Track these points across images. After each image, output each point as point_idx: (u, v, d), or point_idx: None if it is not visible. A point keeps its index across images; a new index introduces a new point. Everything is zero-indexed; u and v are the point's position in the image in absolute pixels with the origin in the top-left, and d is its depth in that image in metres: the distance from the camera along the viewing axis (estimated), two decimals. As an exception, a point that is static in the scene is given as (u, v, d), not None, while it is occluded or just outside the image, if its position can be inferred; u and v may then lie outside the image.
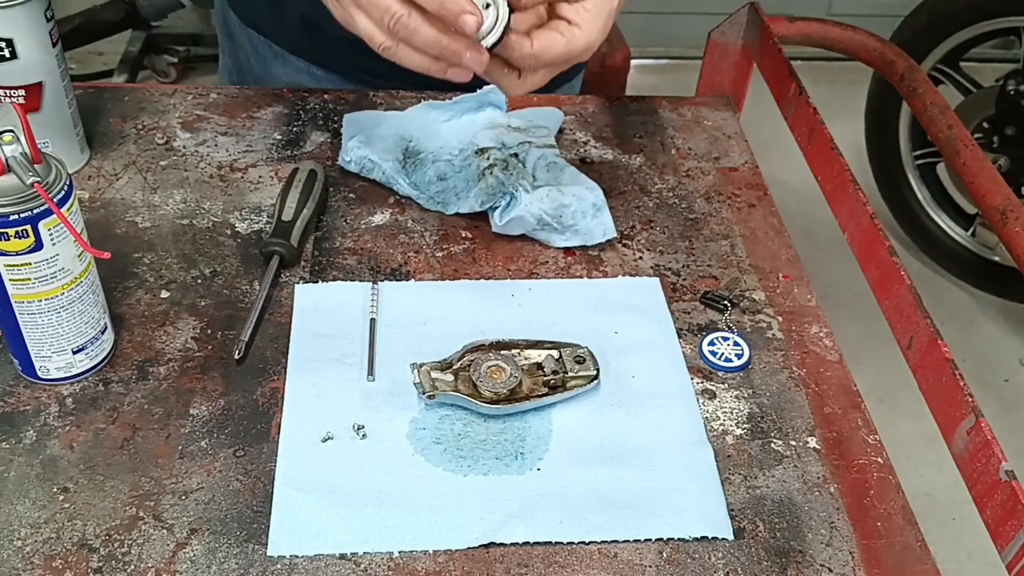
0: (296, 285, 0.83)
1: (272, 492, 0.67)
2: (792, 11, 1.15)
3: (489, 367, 0.74)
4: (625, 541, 0.66)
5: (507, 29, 0.69)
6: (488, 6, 0.68)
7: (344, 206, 0.91)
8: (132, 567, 0.62)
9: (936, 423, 0.70)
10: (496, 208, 0.87)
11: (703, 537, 0.66)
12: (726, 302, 0.84)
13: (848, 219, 0.87)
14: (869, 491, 0.71)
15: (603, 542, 0.66)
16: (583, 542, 0.65)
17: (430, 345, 0.77)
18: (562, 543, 0.65)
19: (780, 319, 0.84)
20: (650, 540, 0.66)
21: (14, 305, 0.68)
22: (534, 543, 0.65)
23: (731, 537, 0.66)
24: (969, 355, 2.20)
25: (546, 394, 0.73)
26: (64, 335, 0.70)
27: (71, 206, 0.66)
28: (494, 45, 0.69)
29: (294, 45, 1.04)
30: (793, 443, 0.73)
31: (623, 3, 0.75)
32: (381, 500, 0.67)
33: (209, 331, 0.78)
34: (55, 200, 0.64)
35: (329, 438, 0.71)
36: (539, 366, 0.75)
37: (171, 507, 0.66)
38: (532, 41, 0.70)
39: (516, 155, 0.90)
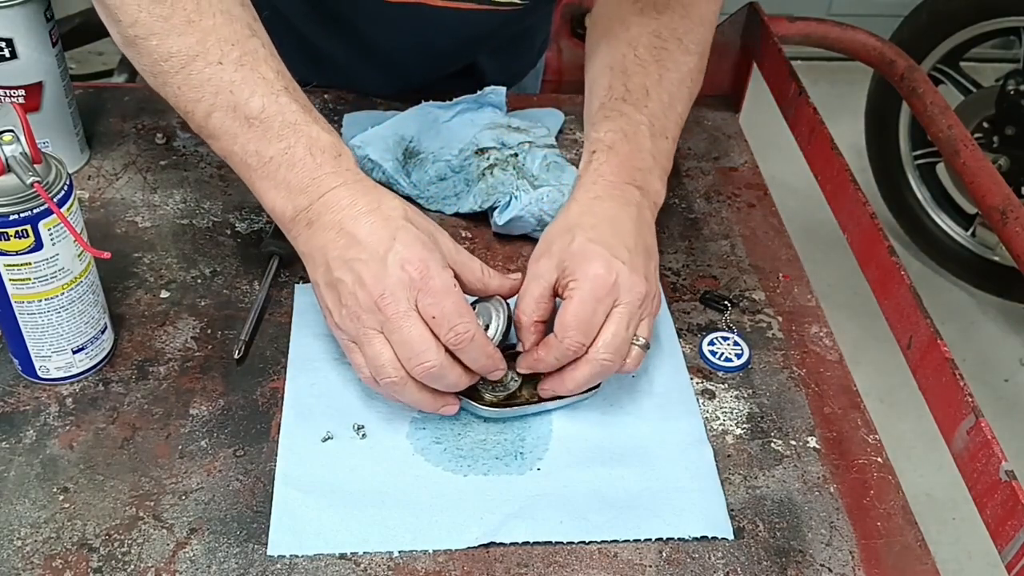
0: (296, 285, 0.83)
1: (272, 492, 0.67)
2: (792, 11, 1.15)
3: None
4: (625, 541, 0.66)
5: (509, 327, 0.71)
6: (487, 325, 0.70)
7: (344, 206, 0.91)
8: (132, 567, 0.62)
9: (936, 423, 0.70)
10: (496, 208, 0.87)
11: (703, 537, 0.66)
12: (726, 302, 0.84)
13: (848, 219, 0.87)
14: (869, 491, 0.71)
15: (603, 542, 0.66)
16: (583, 542, 0.65)
17: (430, 345, 0.77)
18: (562, 543, 0.65)
19: (780, 319, 0.84)
20: (650, 540, 0.66)
21: (14, 305, 0.68)
22: (534, 543, 0.65)
23: (731, 537, 0.66)
24: (969, 355, 2.19)
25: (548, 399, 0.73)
26: (64, 335, 0.70)
27: (71, 206, 0.66)
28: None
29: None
30: (793, 443, 0.73)
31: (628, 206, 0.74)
32: (381, 500, 0.67)
33: (209, 331, 0.78)
34: (55, 200, 0.64)
35: (329, 438, 0.71)
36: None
37: (171, 507, 0.66)
38: (567, 316, 0.68)
39: (516, 155, 0.90)
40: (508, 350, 0.73)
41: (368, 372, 0.68)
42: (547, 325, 0.72)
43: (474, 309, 0.71)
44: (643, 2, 0.85)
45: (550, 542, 0.65)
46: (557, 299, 0.72)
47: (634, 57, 0.83)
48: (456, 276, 0.68)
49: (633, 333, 0.70)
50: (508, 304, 0.72)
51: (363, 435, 0.71)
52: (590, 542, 0.65)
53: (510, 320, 0.71)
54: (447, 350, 0.66)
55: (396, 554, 0.64)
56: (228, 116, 0.69)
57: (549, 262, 0.71)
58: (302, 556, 0.63)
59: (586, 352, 0.69)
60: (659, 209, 0.79)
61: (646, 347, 0.71)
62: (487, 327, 0.70)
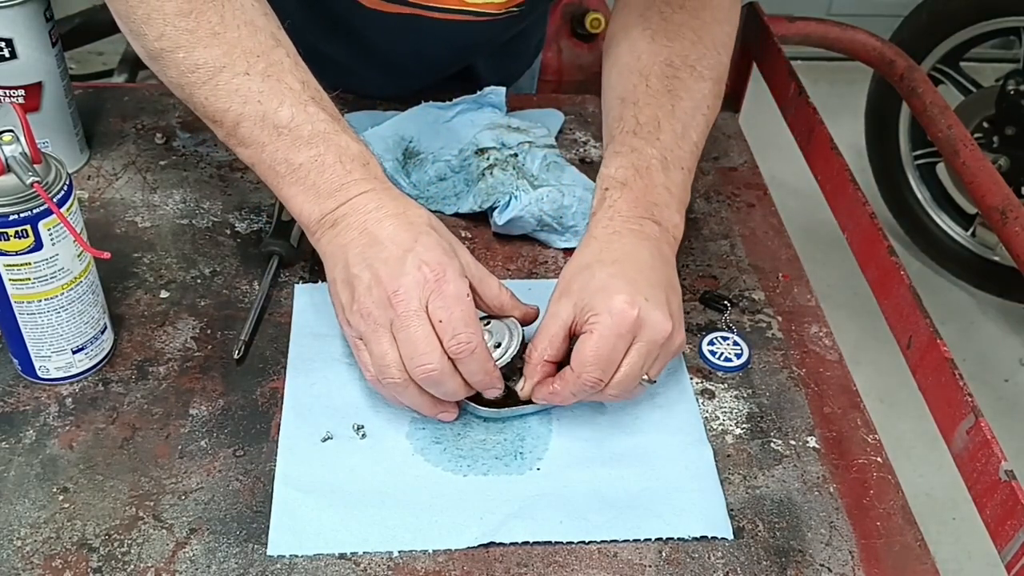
0: (296, 285, 0.83)
1: (272, 492, 0.67)
2: (792, 11, 1.15)
3: None
4: (625, 541, 0.66)
5: (521, 351, 0.71)
6: (499, 344, 0.70)
7: (344, 206, 0.91)
8: (132, 567, 0.62)
9: (936, 423, 0.70)
10: (496, 208, 0.87)
11: (703, 537, 0.66)
12: (726, 302, 0.84)
13: (848, 219, 0.87)
14: (869, 491, 0.71)
15: (603, 542, 0.66)
16: (583, 542, 0.65)
17: (430, 345, 0.77)
18: (562, 543, 0.65)
19: (780, 319, 0.84)
20: (650, 540, 0.66)
21: (14, 305, 0.68)
22: (534, 543, 0.65)
23: (731, 537, 0.66)
24: (969, 355, 2.19)
25: None
26: (64, 335, 0.70)
27: (71, 206, 0.66)
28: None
29: None
30: (793, 443, 0.73)
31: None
32: (381, 500, 0.67)
33: (209, 331, 0.78)
34: (55, 200, 0.64)
35: (329, 438, 0.71)
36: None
37: (171, 507, 0.66)
38: (587, 351, 0.68)
39: (516, 155, 0.90)
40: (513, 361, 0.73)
41: (373, 371, 0.68)
42: (556, 366, 0.71)
43: (488, 324, 0.71)
44: (654, 30, 0.84)
45: (550, 542, 0.65)
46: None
47: (645, 88, 0.82)
48: (473, 290, 0.69)
49: (646, 371, 0.69)
50: (523, 330, 0.72)
51: (363, 435, 0.71)
52: (590, 542, 0.65)
53: (523, 345, 0.71)
54: (450, 358, 0.66)
55: (396, 554, 0.64)
56: (257, 125, 0.70)
57: (568, 301, 0.70)
58: (302, 556, 0.63)
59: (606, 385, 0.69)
60: (679, 243, 0.78)
61: (651, 382, 0.70)
62: (498, 345, 0.70)
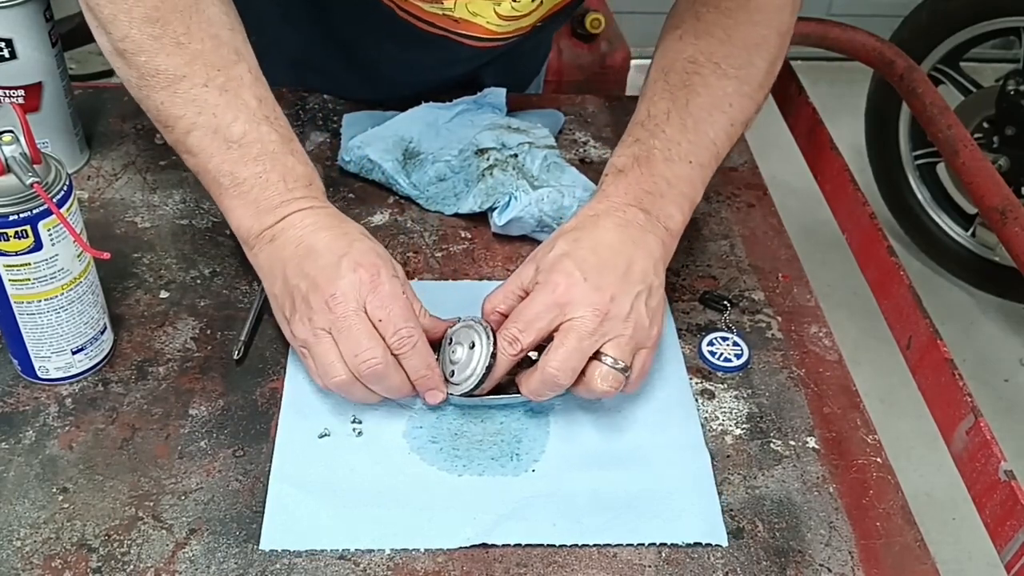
0: (295, 285, 0.83)
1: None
2: (792, 11, 1.14)
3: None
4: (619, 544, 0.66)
5: (488, 373, 0.69)
6: (472, 344, 0.70)
7: (343, 206, 0.91)
8: (131, 567, 0.62)
9: (935, 423, 0.70)
10: (495, 209, 0.87)
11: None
12: (725, 302, 0.84)
13: (848, 219, 0.87)
14: (868, 491, 0.71)
15: (597, 544, 0.65)
16: (576, 544, 0.65)
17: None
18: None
19: (779, 319, 0.84)
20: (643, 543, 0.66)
21: (14, 305, 0.68)
22: (530, 544, 0.65)
23: (725, 543, 0.66)
24: (969, 355, 2.19)
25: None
26: (63, 335, 0.70)
27: (70, 206, 0.66)
28: (472, 390, 0.70)
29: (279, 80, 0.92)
30: (792, 443, 0.73)
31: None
32: (375, 497, 0.67)
33: (208, 331, 0.78)
34: (54, 200, 0.64)
35: (326, 435, 0.71)
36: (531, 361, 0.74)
37: (170, 507, 0.66)
38: (516, 309, 0.71)
39: (516, 156, 0.90)
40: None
41: (320, 376, 0.69)
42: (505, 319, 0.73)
43: (457, 327, 0.72)
44: (684, 29, 0.84)
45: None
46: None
47: (664, 83, 0.82)
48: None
49: (590, 351, 0.68)
50: (494, 342, 0.70)
51: (359, 433, 0.71)
52: (583, 545, 0.65)
53: (494, 356, 0.69)
54: (393, 354, 0.68)
55: (393, 553, 0.64)
56: (207, 136, 0.72)
57: (531, 265, 0.73)
58: (301, 556, 0.63)
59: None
60: (675, 237, 0.77)
61: (623, 371, 0.69)
62: (472, 345, 0.70)
